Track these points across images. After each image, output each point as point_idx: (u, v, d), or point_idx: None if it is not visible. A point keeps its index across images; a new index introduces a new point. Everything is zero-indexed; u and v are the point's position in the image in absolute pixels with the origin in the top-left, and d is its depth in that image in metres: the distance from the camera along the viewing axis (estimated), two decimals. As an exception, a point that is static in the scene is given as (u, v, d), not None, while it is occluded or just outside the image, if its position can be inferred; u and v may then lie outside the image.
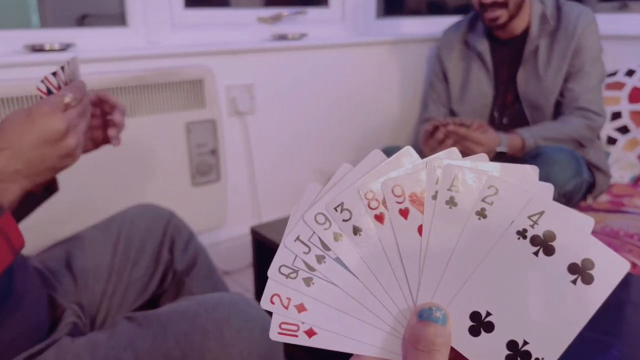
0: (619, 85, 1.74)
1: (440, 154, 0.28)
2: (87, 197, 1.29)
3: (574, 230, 0.26)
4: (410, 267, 0.28)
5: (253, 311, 0.70)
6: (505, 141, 1.45)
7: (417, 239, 0.27)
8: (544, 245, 0.26)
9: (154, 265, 0.93)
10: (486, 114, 1.66)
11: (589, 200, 1.59)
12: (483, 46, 1.63)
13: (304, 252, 0.29)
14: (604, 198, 1.60)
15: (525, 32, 1.57)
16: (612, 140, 1.73)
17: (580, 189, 1.44)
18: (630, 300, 0.86)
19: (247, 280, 1.60)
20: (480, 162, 0.27)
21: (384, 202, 0.27)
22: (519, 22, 1.56)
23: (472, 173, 0.26)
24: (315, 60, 1.73)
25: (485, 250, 0.26)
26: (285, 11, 1.75)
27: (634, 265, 1.14)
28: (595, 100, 1.53)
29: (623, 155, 1.72)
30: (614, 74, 1.77)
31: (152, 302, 0.94)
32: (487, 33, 1.63)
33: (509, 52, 1.61)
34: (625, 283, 0.92)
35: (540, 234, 0.26)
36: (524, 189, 0.26)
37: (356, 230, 0.28)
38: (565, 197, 1.40)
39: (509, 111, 1.64)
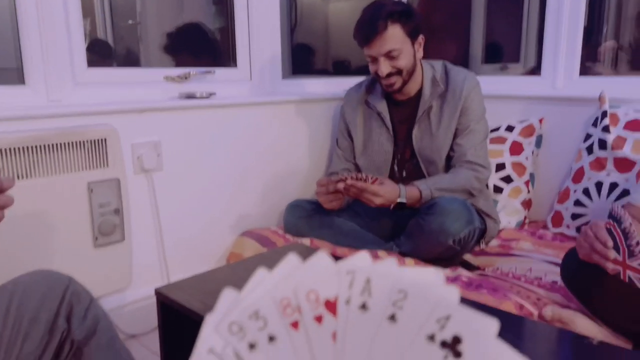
0: (501, 140, 1.94)
1: (353, 258, 0.28)
2: (-25, 264, 1.20)
3: (480, 333, 0.25)
4: None
5: None
6: (404, 192, 1.56)
7: (332, 345, 0.27)
8: (452, 349, 0.25)
9: (48, 336, 0.88)
10: (387, 168, 1.77)
11: (482, 246, 1.72)
12: (382, 107, 1.76)
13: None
14: (494, 242, 1.74)
15: (419, 93, 1.72)
16: (498, 189, 1.90)
17: (473, 236, 1.56)
18: (520, 344, 0.94)
19: (155, 343, 1.53)
20: (391, 266, 0.27)
21: (299, 309, 0.27)
22: (413, 85, 1.71)
23: (383, 277, 0.26)
24: (223, 118, 1.77)
25: (398, 355, 0.26)
26: (193, 71, 1.78)
27: (520, 306, 1.24)
28: (482, 155, 1.69)
29: (509, 202, 1.90)
30: (496, 129, 1.97)
31: (47, 377, 0.88)
32: (385, 95, 1.77)
33: (405, 112, 1.74)
34: (513, 326, 1.01)
35: (448, 338, 0.25)
36: (431, 292, 0.26)
37: (271, 339, 0.27)
38: (460, 245, 1.52)
39: (407, 165, 1.76)
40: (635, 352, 0.90)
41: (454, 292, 0.26)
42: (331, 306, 0.27)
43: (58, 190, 1.32)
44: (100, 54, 1.81)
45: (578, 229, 1.72)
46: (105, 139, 1.37)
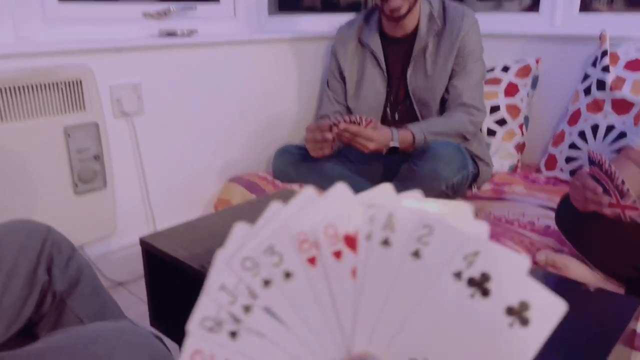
0: (496, 81, 1.87)
1: (375, 190, 0.26)
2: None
3: (509, 270, 0.24)
4: (344, 313, 0.26)
5: (140, 341, 0.64)
6: (397, 136, 1.51)
7: (351, 282, 0.25)
8: (480, 287, 0.24)
9: (28, 288, 0.84)
10: (380, 111, 1.71)
11: (474, 190, 1.69)
12: (376, 44, 1.67)
13: (229, 302, 0.27)
14: (487, 187, 1.72)
15: (415, 31, 1.63)
16: (492, 132, 1.86)
17: (466, 181, 1.53)
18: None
19: (143, 290, 1.52)
20: (416, 200, 0.25)
21: (317, 244, 0.25)
22: (410, 21, 1.62)
23: (407, 211, 0.25)
24: (207, 58, 1.68)
25: (421, 293, 0.25)
26: (173, 6, 1.67)
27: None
28: (477, 97, 1.63)
29: (502, 145, 1.86)
30: (491, 70, 1.90)
31: (28, 330, 0.85)
32: (380, 32, 1.68)
33: (400, 51, 1.66)
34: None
35: (476, 276, 0.24)
36: (459, 228, 0.24)
37: (287, 275, 0.26)
38: (453, 190, 1.49)
39: (400, 107, 1.70)
40: (631, 298, 0.89)
41: (483, 228, 0.24)
42: (351, 241, 0.25)
43: (32, 135, 1.25)
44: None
45: (572, 173, 1.69)
46: (80, 80, 1.29)
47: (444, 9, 1.63)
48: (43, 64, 1.29)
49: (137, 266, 1.53)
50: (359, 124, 1.45)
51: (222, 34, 1.78)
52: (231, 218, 1.21)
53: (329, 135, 1.47)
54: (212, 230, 1.14)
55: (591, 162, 1.04)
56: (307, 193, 0.26)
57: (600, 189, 0.99)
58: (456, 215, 0.25)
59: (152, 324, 1.17)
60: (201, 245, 1.06)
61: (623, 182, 0.97)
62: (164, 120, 1.60)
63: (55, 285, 0.89)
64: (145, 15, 1.63)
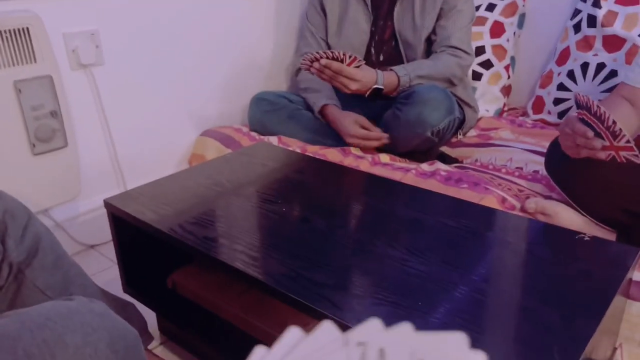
0: (481, 20, 1.77)
1: (363, 326, 0.24)
2: None
3: None
4: None
5: (97, 321, 0.57)
6: (382, 78, 1.42)
7: None
8: None
9: (-21, 261, 0.77)
10: (363, 50, 1.60)
11: (460, 136, 1.62)
12: None
13: None
14: (472, 133, 1.65)
15: None
16: (477, 76, 1.77)
17: (452, 127, 1.46)
18: (496, 236, 0.88)
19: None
20: (407, 332, 0.24)
21: None
22: None
23: (398, 346, 0.23)
24: (172, 1, 1.54)
25: None
26: (129, -56, 1.51)
27: (503, 200, 1.17)
28: (466, 40, 1.54)
29: (488, 89, 1.78)
30: (476, 8, 1.78)
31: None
32: None
33: None
34: (493, 219, 0.94)
35: None
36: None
37: None
38: (438, 136, 1.42)
39: (385, 47, 1.60)
40: (627, 246, 0.84)
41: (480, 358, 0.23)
42: None
43: (-21, 91, 1.13)
44: None
45: (560, 115, 1.63)
46: (27, 28, 1.16)
47: None
48: (-16, 11, 1.16)
49: (108, 228, 1.46)
50: (341, 60, 1.33)
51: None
52: (204, 175, 1.13)
53: (315, 66, 1.34)
54: (183, 189, 1.07)
55: (579, 105, 0.98)
56: (292, 335, 0.24)
57: (591, 133, 0.94)
58: (450, 346, 0.23)
59: (125, 289, 1.11)
60: (171, 206, 0.99)
61: (614, 122, 0.92)
62: (127, 71, 1.48)
63: (11, 256, 0.81)
64: (100, -45, 1.48)
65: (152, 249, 1.09)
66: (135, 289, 1.10)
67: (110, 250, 1.47)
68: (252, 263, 0.80)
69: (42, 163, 1.26)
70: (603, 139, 0.94)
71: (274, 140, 1.54)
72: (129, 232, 1.05)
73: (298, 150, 1.45)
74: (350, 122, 1.48)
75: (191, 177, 1.12)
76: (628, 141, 0.92)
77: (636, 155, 0.93)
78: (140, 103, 1.54)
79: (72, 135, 1.31)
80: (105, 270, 1.41)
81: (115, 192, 1.35)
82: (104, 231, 1.46)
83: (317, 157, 1.35)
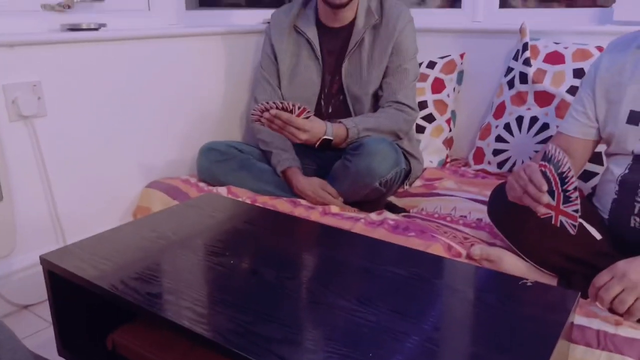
0: (423, 77, 1.86)
1: None
2: None
3: None
4: None
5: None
6: (331, 129, 1.45)
7: None
8: None
9: None
10: (314, 102, 1.64)
11: (406, 187, 1.67)
12: (312, 33, 1.61)
13: None
14: (418, 183, 1.70)
15: (352, 23, 1.59)
16: (421, 129, 1.85)
17: (399, 177, 1.50)
18: (445, 284, 0.89)
19: (53, 313, 1.37)
20: None
21: None
22: (349, 12, 1.58)
23: None
24: (118, 54, 1.54)
25: None
26: (76, -2, 1.52)
27: (449, 247, 1.20)
28: (411, 96, 1.61)
29: (431, 141, 1.85)
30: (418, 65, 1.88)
31: None
32: (316, 21, 1.62)
33: (336, 43, 1.62)
34: (441, 266, 0.95)
35: None
36: None
37: None
38: (386, 187, 1.45)
39: (334, 101, 1.65)
40: (568, 291, 0.87)
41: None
42: None
43: None
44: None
45: (500, 165, 1.71)
46: (-37, 79, 1.12)
47: (381, 4, 1.59)
48: None
49: (44, 286, 1.37)
50: (291, 111, 1.35)
51: (135, 29, 1.64)
52: (148, 228, 1.10)
53: (263, 117, 1.35)
54: (126, 243, 1.03)
55: (546, 158, 0.97)
56: None
57: (546, 187, 0.94)
58: None
59: (60, 352, 1.04)
60: (112, 261, 0.95)
61: (575, 190, 0.92)
62: (71, 121, 1.45)
63: None
64: (45, 8, 1.47)
65: (90, 307, 1.03)
66: (72, 351, 1.03)
67: (45, 310, 1.39)
68: (198, 320, 0.77)
69: (-27, 218, 1.19)
70: (553, 197, 0.94)
71: (223, 190, 1.52)
72: (67, 290, 0.99)
73: (248, 201, 1.44)
74: (316, 189, 1.49)
75: (135, 230, 1.09)
76: (577, 211, 0.91)
77: (574, 226, 0.92)
78: (83, 154, 1.49)
79: (8, 188, 1.25)
80: (39, 331, 1.31)
81: (54, 247, 1.29)
82: (40, 290, 1.37)
83: (267, 207, 1.34)
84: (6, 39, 1.29)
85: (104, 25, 1.52)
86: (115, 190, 1.60)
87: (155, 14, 1.74)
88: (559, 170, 0.93)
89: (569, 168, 0.92)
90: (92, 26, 1.48)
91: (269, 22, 1.70)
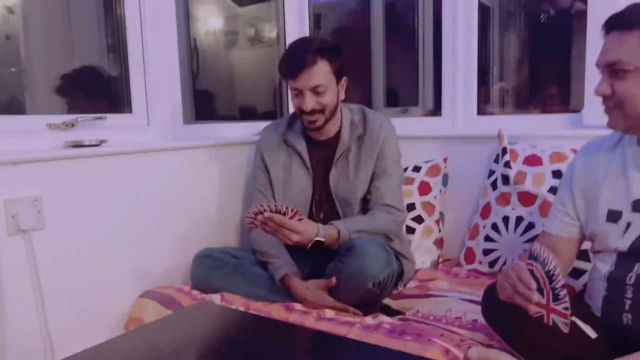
0: (409, 180, 1.94)
1: None
2: None
3: None
4: None
5: None
6: (322, 231, 1.48)
7: None
8: None
9: None
10: (307, 209, 1.69)
11: (400, 288, 1.67)
12: (301, 146, 1.71)
13: None
14: (412, 284, 1.71)
15: (338, 135, 1.69)
16: (410, 230, 1.89)
17: (391, 278, 1.51)
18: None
19: None
20: None
21: None
22: (332, 127, 1.68)
23: None
24: (117, 168, 1.61)
25: None
26: (80, 117, 1.62)
27: (446, 351, 1.19)
28: (398, 198, 1.67)
29: (422, 242, 1.89)
30: (404, 170, 1.97)
31: None
32: (304, 134, 1.72)
33: (323, 153, 1.70)
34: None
35: None
36: None
37: None
38: (379, 287, 1.46)
39: (324, 207, 1.70)
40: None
41: None
42: None
43: None
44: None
45: (491, 265, 1.73)
46: (-32, 196, 1.17)
47: (364, 116, 1.71)
48: None
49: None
50: (284, 214, 1.40)
51: (134, 144, 1.73)
52: (141, 340, 1.08)
53: (253, 219, 1.39)
54: (117, 357, 1.01)
55: (532, 257, 0.99)
56: None
57: (534, 285, 0.96)
58: None
59: None
60: (104, 376, 0.93)
61: (562, 287, 0.94)
62: (68, 234, 1.47)
63: None
64: (51, 127, 1.56)
65: None
66: None
67: None
68: None
69: (-37, 335, 1.17)
70: (542, 295, 0.95)
71: (216, 298, 1.52)
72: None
73: (241, 308, 1.43)
74: (317, 295, 1.49)
75: (127, 343, 1.07)
76: (567, 308, 0.93)
77: (566, 324, 0.93)
78: (77, 265, 1.50)
79: (2, 302, 1.25)
80: None
81: (42, 364, 1.26)
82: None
83: (261, 314, 1.33)
84: (10, 157, 1.36)
85: (105, 141, 1.61)
86: (108, 300, 1.59)
87: (155, 128, 1.84)
88: (546, 269, 0.95)
89: (554, 266, 0.94)
90: (94, 142, 1.57)
91: (259, 136, 1.81)
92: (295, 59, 1.56)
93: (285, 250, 1.62)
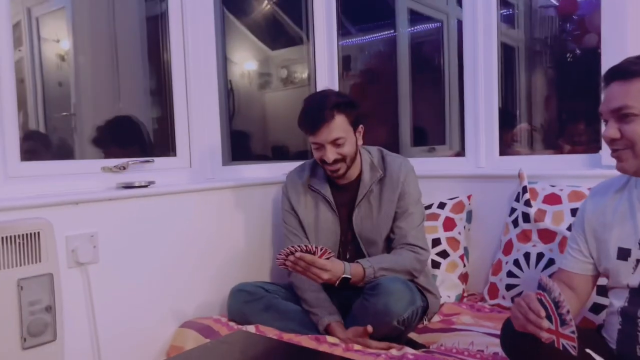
0: (434, 216, 2.03)
1: None
2: None
3: None
4: None
5: None
6: (349, 269, 1.57)
7: None
8: None
9: None
10: (336, 250, 1.78)
11: (425, 322, 1.74)
12: (326, 191, 1.80)
13: None
14: (436, 318, 1.77)
15: (359, 178, 1.78)
16: (436, 264, 1.97)
17: (416, 315, 1.57)
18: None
19: None
20: None
21: None
22: (354, 171, 1.78)
23: None
24: (163, 207, 1.76)
25: None
26: (131, 161, 1.79)
27: (464, 380, 1.25)
28: (421, 237, 1.75)
29: (447, 276, 1.96)
30: (429, 206, 2.06)
31: None
32: (327, 179, 1.82)
33: (346, 196, 1.80)
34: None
35: None
36: None
37: None
38: (404, 324, 1.52)
39: (350, 247, 1.79)
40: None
41: None
42: None
43: (-17, 289, 1.24)
44: (34, 146, 1.78)
45: (513, 300, 1.79)
46: (38, 233, 1.32)
47: (382, 158, 1.80)
48: (3, 218, 1.33)
49: None
50: (313, 253, 1.48)
51: (178, 184, 1.89)
52: (186, 364, 1.20)
53: (283, 260, 1.47)
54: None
55: (540, 287, 1.09)
56: None
57: (544, 313, 1.04)
58: None
59: None
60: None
61: (568, 312, 1.02)
62: (119, 267, 1.62)
63: None
64: (104, 170, 1.73)
65: None
66: None
67: None
68: None
69: (29, 357, 1.31)
70: (551, 322, 1.04)
71: (251, 329, 1.62)
72: None
73: (274, 337, 1.53)
74: (360, 340, 1.54)
75: (174, 367, 1.18)
76: (573, 332, 1.01)
77: (574, 347, 1.01)
78: (127, 296, 1.65)
79: (62, 329, 1.39)
80: None
81: (95, 386, 1.38)
82: None
83: (292, 343, 1.42)
84: (71, 197, 1.53)
85: (153, 182, 1.77)
86: (155, 329, 1.72)
87: (196, 170, 2.00)
88: (552, 296, 1.04)
89: (559, 293, 1.04)
90: (143, 183, 1.73)
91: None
92: (314, 116, 1.66)
93: (326, 298, 1.68)
